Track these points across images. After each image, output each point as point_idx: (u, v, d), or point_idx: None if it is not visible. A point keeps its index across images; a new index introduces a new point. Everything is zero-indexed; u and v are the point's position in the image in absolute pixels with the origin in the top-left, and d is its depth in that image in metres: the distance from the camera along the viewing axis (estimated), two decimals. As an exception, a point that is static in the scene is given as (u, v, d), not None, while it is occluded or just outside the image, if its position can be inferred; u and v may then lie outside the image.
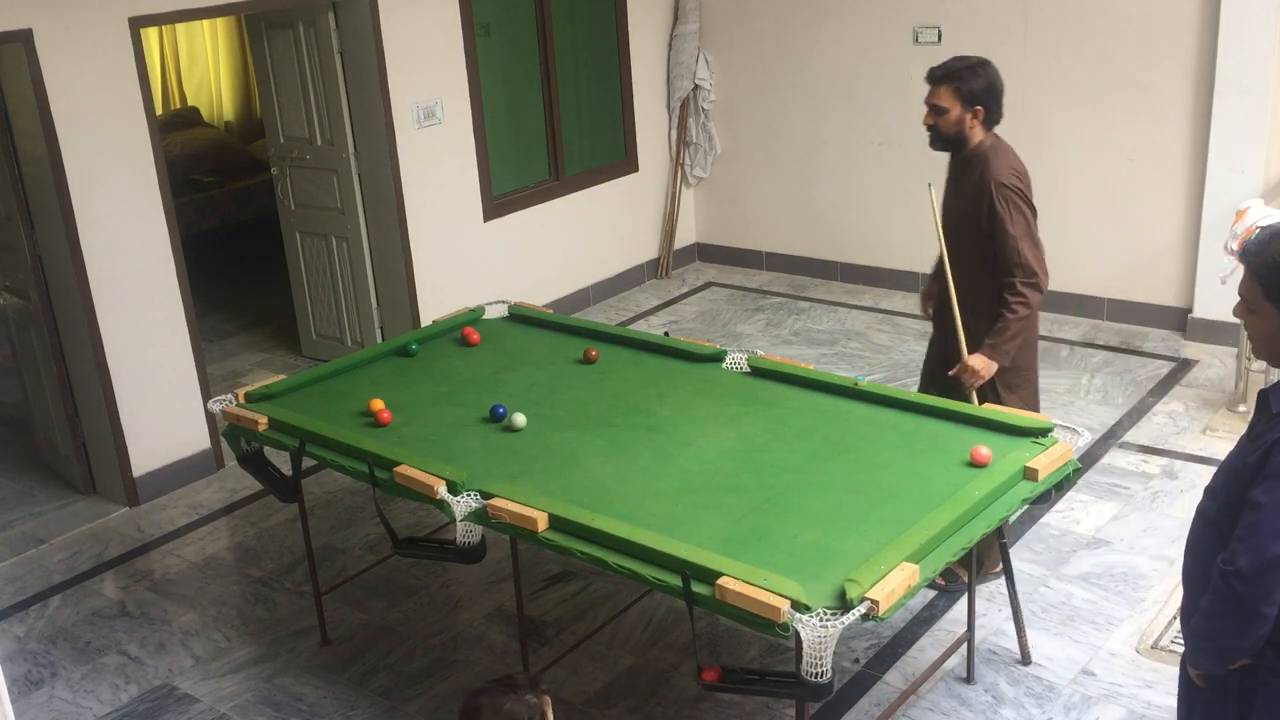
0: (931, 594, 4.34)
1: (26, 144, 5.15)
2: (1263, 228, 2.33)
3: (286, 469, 4.08)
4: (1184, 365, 6.17)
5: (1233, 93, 6.05)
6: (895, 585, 2.76)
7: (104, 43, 5.18)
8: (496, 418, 3.92)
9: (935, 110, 4.04)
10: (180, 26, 10.45)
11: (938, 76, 4.04)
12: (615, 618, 4.34)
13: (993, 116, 4.06)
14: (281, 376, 4.52)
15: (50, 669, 4.35)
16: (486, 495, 3.34)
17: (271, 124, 6.83)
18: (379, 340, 6.68)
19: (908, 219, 7.40)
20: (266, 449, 4.09)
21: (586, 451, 3.68)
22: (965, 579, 4.30)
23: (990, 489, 3.21)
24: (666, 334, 4.81)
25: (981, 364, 3.98)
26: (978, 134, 4.05)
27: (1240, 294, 2.41)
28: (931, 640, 4.11)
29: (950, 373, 4.07)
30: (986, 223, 3.96)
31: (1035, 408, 4.21)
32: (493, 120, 7.00)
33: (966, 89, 3.99)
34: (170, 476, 5.64)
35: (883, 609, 2.71)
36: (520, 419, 3.84)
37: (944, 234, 4.06)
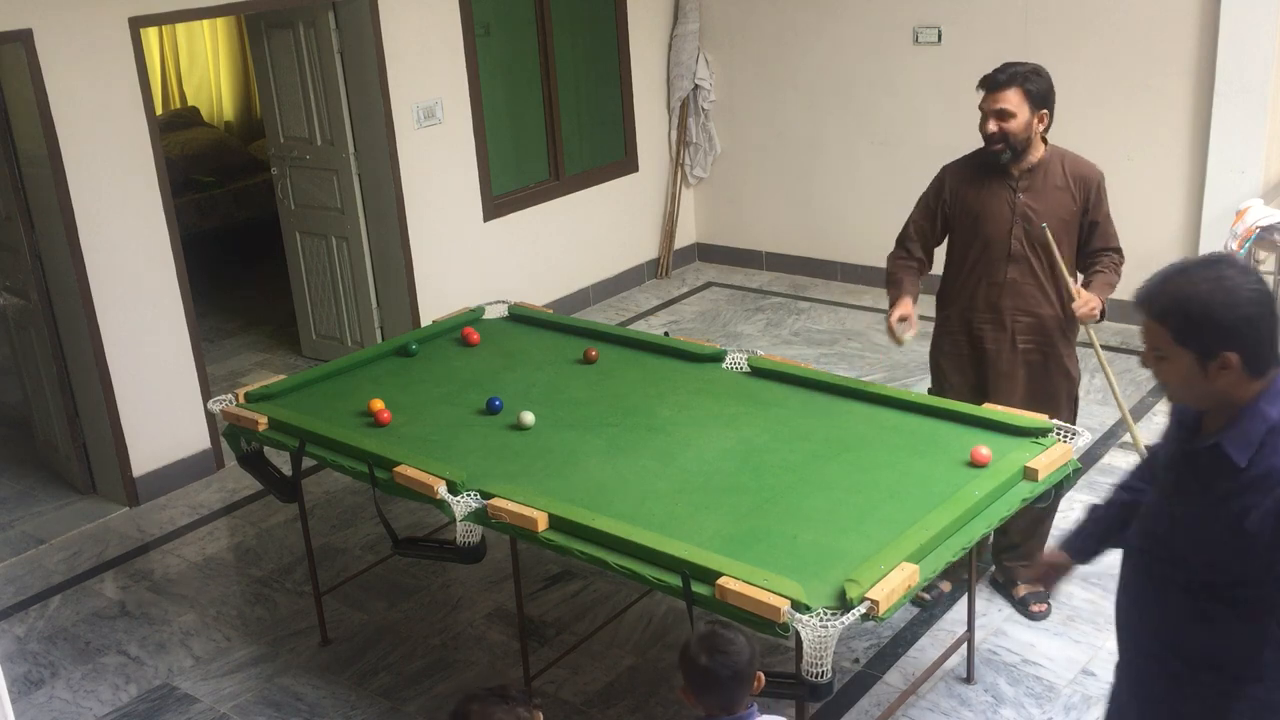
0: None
1: (26, 144, 5.15)
2: (1158, 272, 2.29)
3: (286, 469, 4.08)
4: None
5: (1233, 93, 6.05)
6: (895, 585, 2.76)
7: (104, 43, 5.18)
8: (493, 410, 3.92)
9: (1003, 115, 3.85)
10: (180, 26, 10.45)
11: (1002, 80, 3.85)
12: (615, 618, 4.34)
13: (1051, 122, 3.97)
14: (281, 376, 4.52)
15: (50, 669, 4.35)
16: (486, 495, 3.34)
17: (271, 124, 6.83)
18: (379, 340, 6.68)
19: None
20: (266, 449, 4.09)
21: (586, 451, 3.68)
22: (945, 590, 4.30)
23: (990, 489, 3.21)
24: (666, 334, 4.81)
25: (1095, 298, 3.96)
26: (1039, 140, 3.93)
27: (1145, 342, 2.26)
28: (931, 640, 4.11)
29: (1074, 306, 3.96)
30: (1083, 216, 3.98)
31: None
32: (493, 120, 7.00)
33: (1035, 90, 3.84)
34: (170, 476, 5.64)
35: (883, 609, 2.71)
36: (529, 417, 3.84)
37: (1019, 242, 3.97)
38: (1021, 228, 3.95)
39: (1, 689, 2.47)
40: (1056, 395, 4.10)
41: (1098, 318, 3.97)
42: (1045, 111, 3.89)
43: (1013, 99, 3.83)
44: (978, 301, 4.09)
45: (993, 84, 3.87)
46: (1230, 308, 2.15)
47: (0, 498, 5.71)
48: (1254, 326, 2.16)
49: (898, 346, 4.14)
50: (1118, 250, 4.09)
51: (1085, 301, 3.93)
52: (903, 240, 4.26)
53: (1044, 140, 3.96)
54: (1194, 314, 2.17)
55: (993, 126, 3.87)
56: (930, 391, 4.25)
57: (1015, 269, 3.98)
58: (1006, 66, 3.89)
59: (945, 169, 4.19)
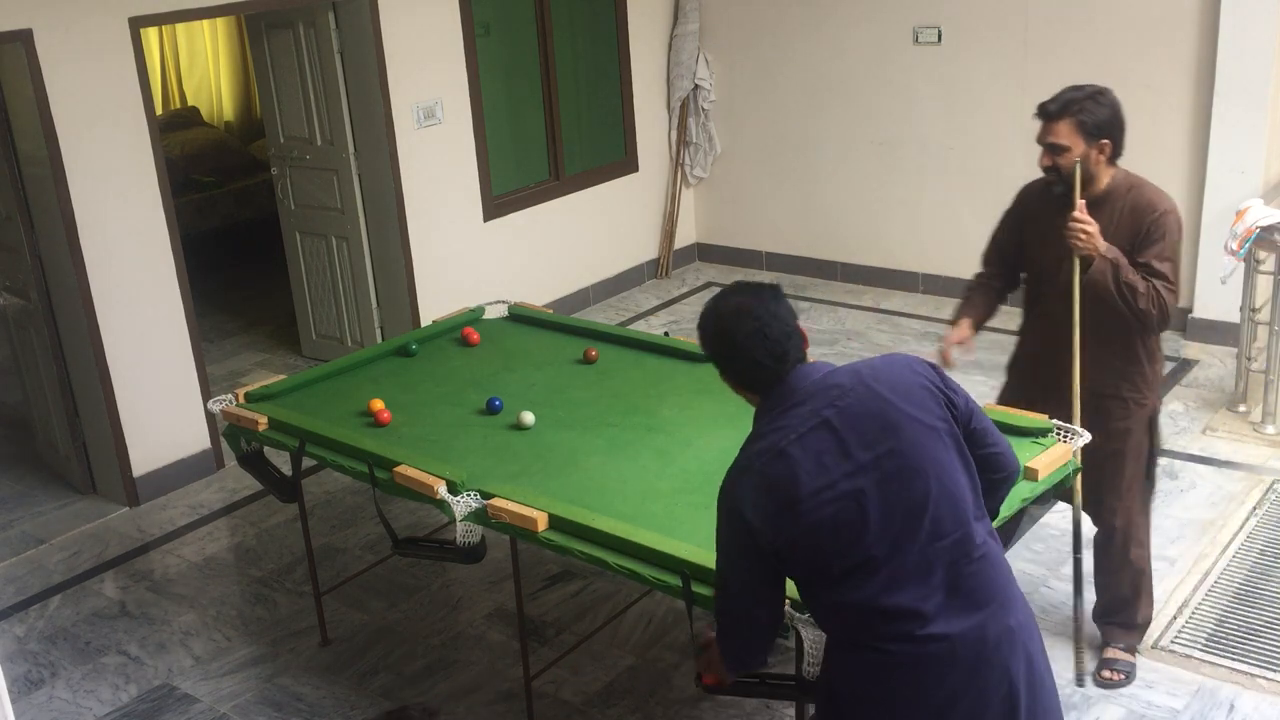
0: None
1: (26, 144, 5.15)
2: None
3: (286, 469, 4.08)
4: (1184, 365, 6.17)
5: (1233, 93, 6.05)
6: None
7: (104, 43, 5.18)
8: (493, 410, 3.93)
9: (1054, 149, 3.54)
10: (180, 26, 10.45)
11: (1053, 111, 3.53)
12: (615, 618, 4.34)
13: (1119, 149, 3.61)
14: (281, 376, 4.52)
15: (50, 669, 4.35)
16: (486, 495, 3.34)
17: (271, 124, 6.83)
18: (379, 340, 6.68)
19: (908, 219, 7.41)
20: (266, 449, 4.09)
21: (586, 451, 3.68)
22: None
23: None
24: (666, 334, 4.81)
25: (1097, 236, 3.46)
26: (1105, 171, 3.59)
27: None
28: (931, 640, 4.10)
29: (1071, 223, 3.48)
30: (1139, 250, 3.51)
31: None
32: (493, 120, 7.00)
33: (1090, 121, 3.51)
34: (170, 476, 5.64)
35: (883, 609, 2.71)
36: (529, 417, 3.84)
37: (1069, 278, 3.55)
38: (1072, 263, 3.56)
39: (1, 689, 2.47)
40: (1117, 454, 3.73)
41: (1084, 247, 3.45)
42: (1106, 141, 3.55)
43: (1064, 132, 3.52)
44: (1036, 333, 3.84)
45: (1044, 115, 3.56)
46: None
47: (0, 498, 5.71)
48: None
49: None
50: (1169, 279, 3.52)
51: (1080, 221, 3.45)
52: (983, 257, 3.99)
53: (1118, 170, 3.63)
54: None
55: (1045, 160, 3.58)
56: (998, 401, 3.99)
57: (1064, 306, 3.59)
58: (1061, 95, 3.55)
59: (1024, 188, 3.85)
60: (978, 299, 3.96)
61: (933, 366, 2.46)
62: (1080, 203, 3.49)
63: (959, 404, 2.43)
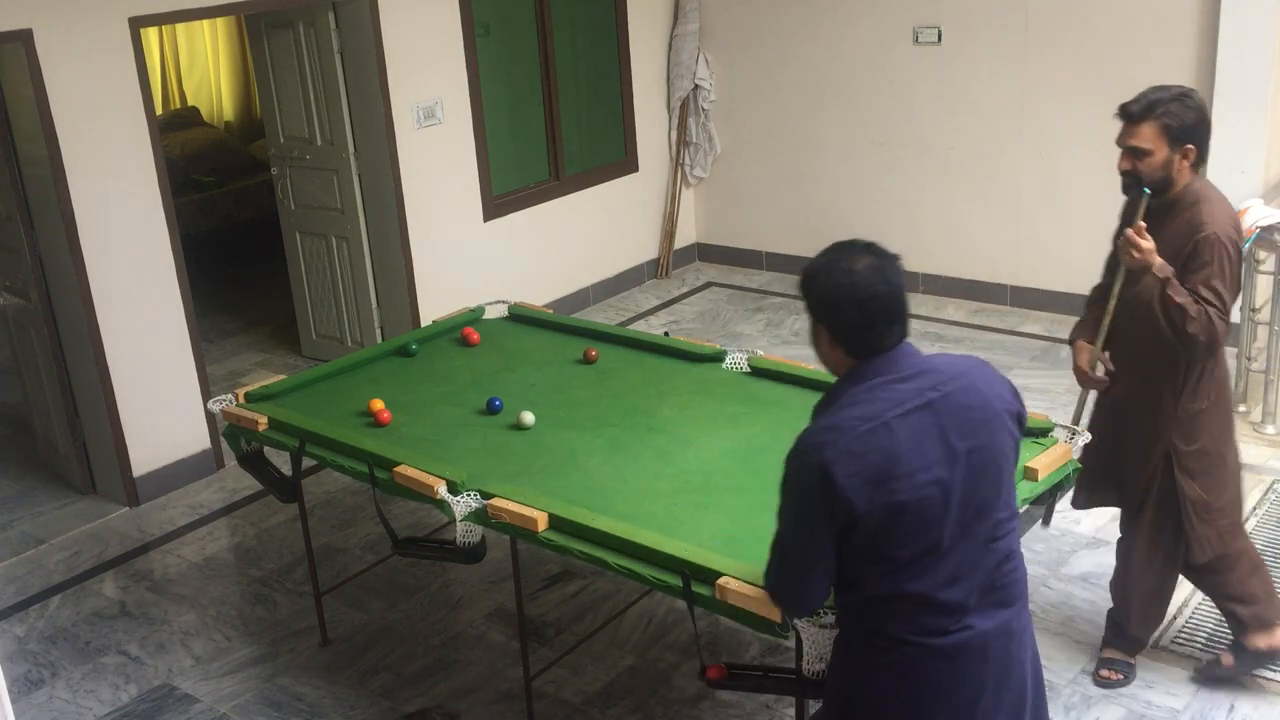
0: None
1: (26, 144, 5.15)
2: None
3: (286, 469, 4.08)
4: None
5: (1233, 93, 6.04)
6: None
7: (104, 43, 5.18)
8: (493, 410, 3.93)
9: (1135, 153, 3.35)
10: (180, 26, 10.45)
11: (1136, 113, 3.36)
12: (615, 618, 4.34)
13: (1203, 155, 3.39)
14: (281, 376, 4.52)
15: (50, 669, 4.35)
16: (486, 495, 3.34)
17: (271, 124, 6.83)
18: (379, 340, 6.68)
19: (908, 219, 7.41)
20: (266, 449, 4.09)
21: (586, 451, 3.68)
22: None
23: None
24: (666, 334, 4.81)
25: (1152, 251, 3.30)
26: (1185, 176, 3.38)
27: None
28: (931, 640, 4.11)
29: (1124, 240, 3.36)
30: (1184, 272, 3.32)
31: (1224, 497, 3.57)
32: (493, 120, 7.00)
33: (1175, 125, 3.30)
34: (170, 476, 5.64)
35: (883, 609, 2.71)
36: (529, 417, 3.84)
37: (1124, 281, 3.46)
38: (1129, 275, 3.43)
39: (1, 689, 2.47)
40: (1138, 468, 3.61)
41: (1133, 263, 3.33)
42: (1191, 146, 3.34)
43: (1147, 135, 3.33)
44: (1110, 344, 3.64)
45: (1125, 116, 3.39)
46: None
47: (0, 498, 5.71)
48: None
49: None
50: (1220, 300, 3.30)
51: (1134, 241, 3.32)
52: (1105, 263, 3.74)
53: (1196, 176, 3.41)
54: None
55: (1124, 164, 3.39)
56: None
57: (1127, 317, 3.46)
58: (1145, 95, 3.38)
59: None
60: (1089, 316, 3.74)
61: (1009, 382, 2.48)
62: (1140, 224, 3.36)
63: (1021, 425, 2.47)
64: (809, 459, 2.28)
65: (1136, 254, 3.33)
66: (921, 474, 2.26)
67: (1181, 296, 3.27)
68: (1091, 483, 3.75)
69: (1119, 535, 3.82)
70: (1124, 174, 3.41)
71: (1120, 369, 3.61)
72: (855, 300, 2.32)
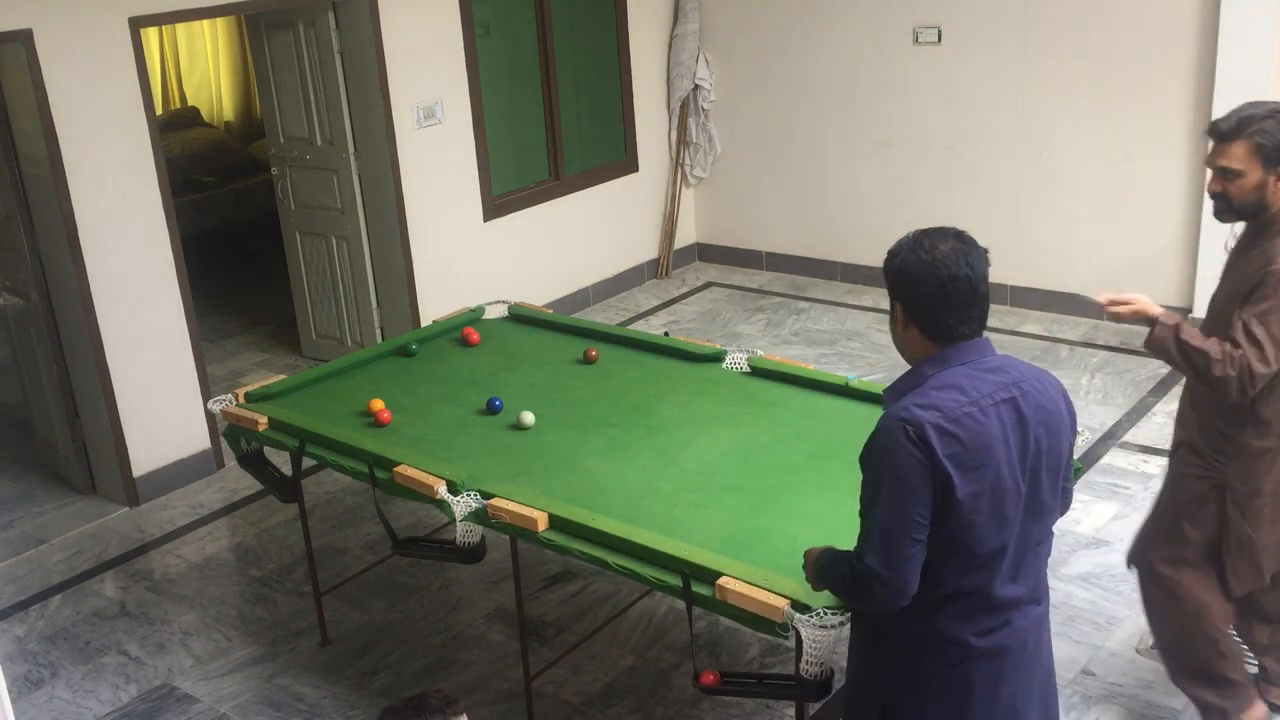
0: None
1: (26, 144, 5.15)
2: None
3: (286, 469, 4.08)
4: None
5: (1233, 93, 6.03)
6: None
7: (104, 43, 5.18)
8: (493, 410, 3.93)
9: (1225, 174, 3.10)
10: (180, 26, 10.45)
11: (1226, 131, 3.11)
12: (615, 618, 4.34)
13: None
14: (282, 376, 4.52)
15: (50, 669, 4.35)
16: (486, 495, 3.34)
17: (271, 124, 6.83)
18: (379, 340, 6.68)
19: (908, 219, 7.38)
20: (266, 449, 4.09)
21: (586, 451, 3.68)
22: None
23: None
24: (666, 334, 4.81)
25: (1144, 302, 3.18)
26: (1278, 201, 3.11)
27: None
28: (931, 640, 4.11)
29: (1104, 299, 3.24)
30: (1243, 302, 3.08)
31: (1273, 535, 3.30)
32: (493, 120, 7.00)
33: (1270, 145, 3.05)
34: (170, 476, 5.64)
35: (883, 609, 2.70)
36: (529, 417, 3.84)
37: (1210, 314, 3.29)
38: (1215, 298, 3.25)
39: (1, 689, 2.47)
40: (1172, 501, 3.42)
41: (1126, 318, 3.22)
42: None
43: (1239, 155, 3.08)
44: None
45: (1216, 135, 3.15)
46: None
47: (0, 498, 5.71)
48: None
49: None
50: (1255, 342, 3.02)
51: (1123, 302, 3.20)
52: None
53: None
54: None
55: (1214, 186, 3.15)
56: None
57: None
58: (1236, 112, 3.13)
59: None
60: None
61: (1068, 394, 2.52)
62: (1107, 295, 3.23)
63: (1075, 436, 2.53)
64: (910, 432, 2.23)
65: (1125, 310, 3.19)
66: (1006, 467, 2.28)
67: (1199, 340, 3.06)
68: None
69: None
70: (1214, 196, 3.17)
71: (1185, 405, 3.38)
72: (935, 279, 2.30)
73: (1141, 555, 3.57)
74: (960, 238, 2.36)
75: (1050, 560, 4.46)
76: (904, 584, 2.28)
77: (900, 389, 2.38)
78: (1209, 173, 3.19)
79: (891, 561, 2.27)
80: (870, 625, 2.48)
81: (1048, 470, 2.37)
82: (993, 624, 2.37)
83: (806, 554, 2.62)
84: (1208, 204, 6.18)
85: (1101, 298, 3.24)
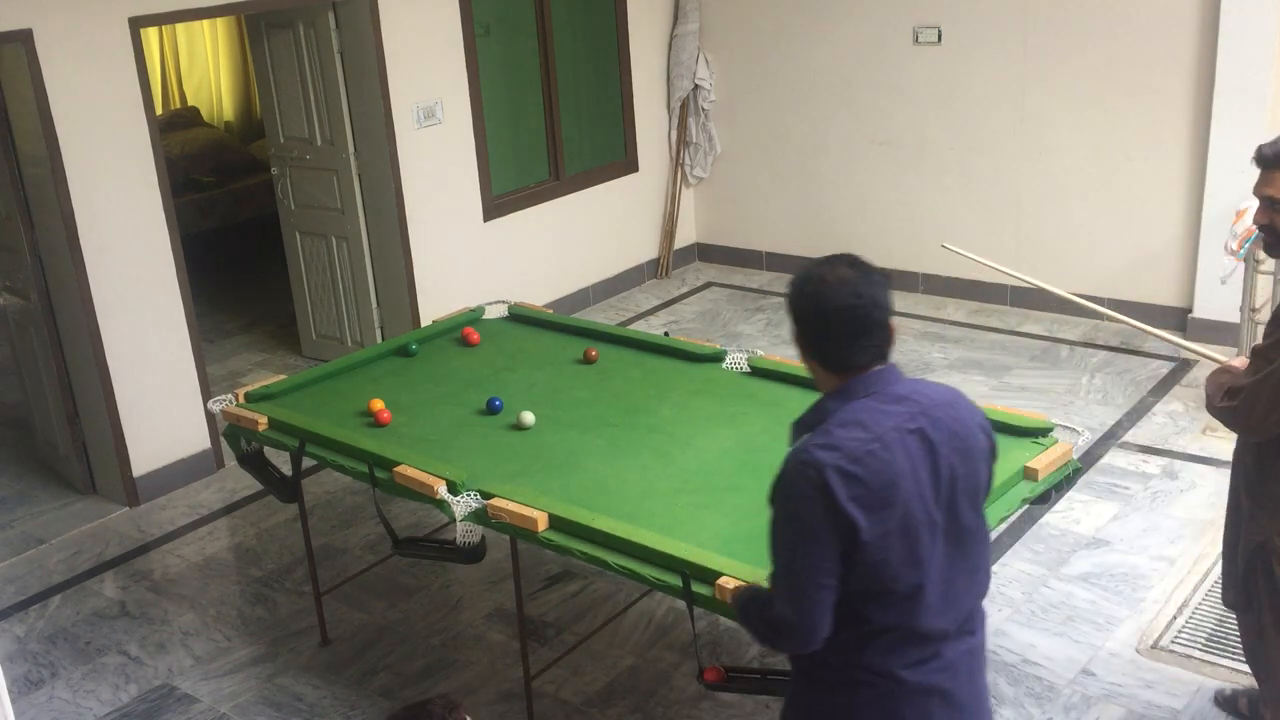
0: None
1: (26, 144, 5.15)
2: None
3: (286, 469, 4.08)
4: (1184, 365, 6.17)
5: (1233, 93, 6.05)
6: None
7: (104, 43, 5.18)
8: (493, 410, 3.93)
9: (1273, 205, 2.90)
10: (180, 26, 10.45)
11: (1271, 157, 2.93)
12: (615, 618, 4.34)
13: None
14: (281, 376, 4.52)
15: (50, 669, 4.35)
16: (486, 495, 3.34)
17: (271, 124, 6.83)
18: (379, 340, 6.68)
19: (908, 219, 7.41)
20: (266, 449, 4.09)
21: (586, 451, 3.68)
22: None
23: (990, 489, 3.20)
24: (666, 334, 4.81)
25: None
26: None
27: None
28: (931, 640, 4.10)
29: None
30: (1268, 339, 2.92)
31: None
32: (493, 120, 7.00)
33: None
34: (170, 476, 5.64)
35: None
36: (529, 417, 3.84)
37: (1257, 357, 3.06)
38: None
39: (1, 689, 2.47)
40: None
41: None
42: None
43: None
44: None
45: (1262, 162, 2.97)
46: None
47: (0, 498, 5.71)
48: None
49: None
50: (1243, 390, 2.91)
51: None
52: None
53: None
54: None
55: (1261, 217, 2.96)
56: None
57: None
58: (1277, 140, 2.98)
59: None
60: None
61: (983, 413, 2.42)
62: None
63: (994, 457, 2.42)
64: (810, 477, 2.17)
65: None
66: (917, 501, 2.20)
67: (1211, 385, 2.99)
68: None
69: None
70: (1262, 229, 2.98)
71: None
72: (820, 311, 2.26)
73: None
74: (854, 265, 2.29)
75: (1050, 560, 4.51)
76: (812, 629, 2.22)
77: (805, 424, 2.31)
78: (1257, 205, 2.98)
79: (798, 607, 2.22)
80: (801, 661, 2.40)
81: (966, 497, 2.28)
82: (921, 656, 2.28)
83: (733, 592, 2.58)
84: (1208, 204, 6.25)
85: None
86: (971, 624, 2.37)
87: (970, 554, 2.32)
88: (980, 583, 2.37)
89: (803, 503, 2.19)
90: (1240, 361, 3.11)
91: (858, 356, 2.26)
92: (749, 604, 2.41)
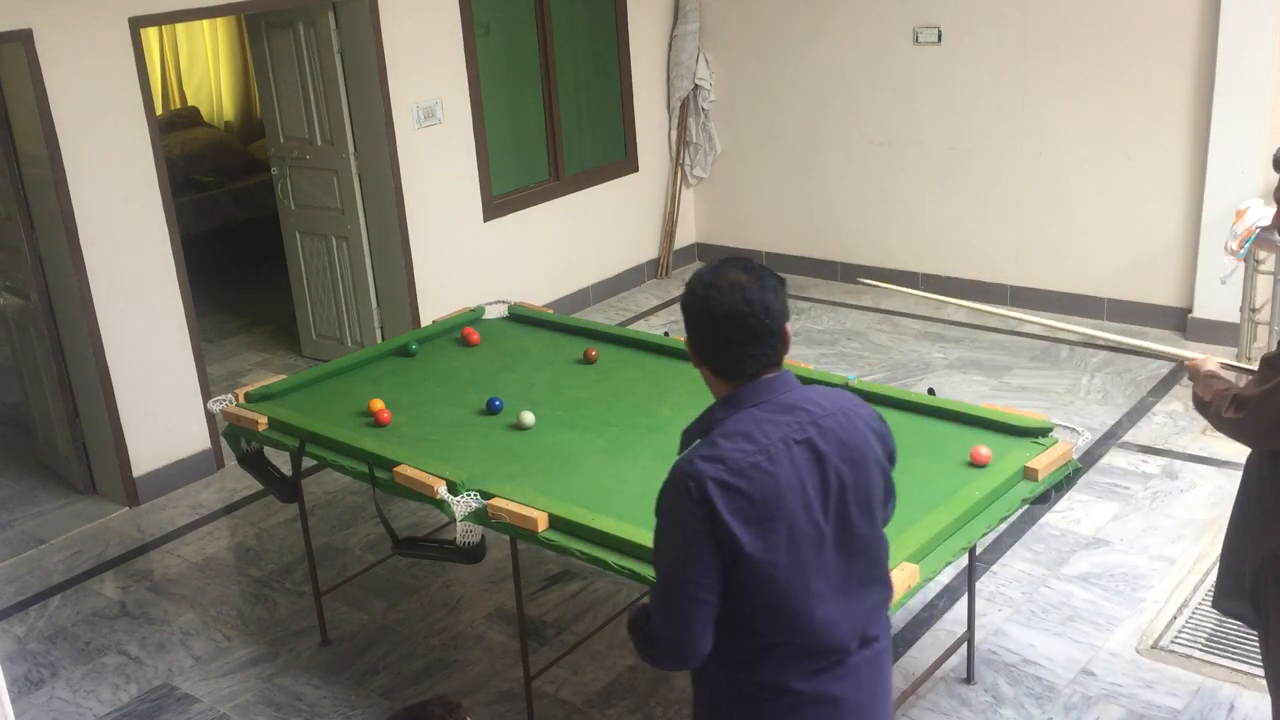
0: (931, 594, 4.34)
1: (26, 144, 5.15)
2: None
3: (286, 469, 4.08)
4: (1184, 366, 6.16)
5: (1233, 93, 6.05)
6: (895, 585, 2.75)
7: (104, 43, 5.18)
8: (493, 410, 3.93)
9: None
10: (180, 26, 10.45)
11: None
12: (615, 618, 4.34)
13: None
14: (282, 376, 4.52)
15: (50, 669, 4.35)
16: (486, 495, 3.34)
17: (271, 124, 6.83)
18: (379, 340, 6.68)
19: (907, 219, 7.41)
20: (266, 449, 4.09)
21: (586, 451, 3.68)
22: None
23: (990, 489, 3.21)
24: (666, 334, 4.81)
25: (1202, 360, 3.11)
26: None
27: None
28: (931, 640, 4.11)
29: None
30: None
31: None
32: (493, 120, 7.00)
33: None
34: (170, 476, 5.64)
35: (882, 609, 2.70)
36: (529, 417, 3.84)
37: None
38: None
39: (1, 689, 2.47)
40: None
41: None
42: None
43: None
44: None
45: (1278, 167, 2.97)
46: None
47: (0, 498, 5.71)
48: None
49: None
50: (1236, 399, 2.90)
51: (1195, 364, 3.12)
52: None
53: None
54: None
55: (1278, 221, 2.94)
56: None
57: None
58: None
59: None
60: None
61: (880, 417, 2.36)
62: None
63: (892, 462, 2.36)
64: (690, 489, 2.11)
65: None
66: (803, 513, 2.15)
67: (1201, 389, 3.00)
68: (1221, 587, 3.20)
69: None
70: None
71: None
72: (709, 316, 2.20)
73: None
74: (748, 269, 2.22)
75: (1050, 560, 4.52)
76: (689, 645, 2.17)
77: (693, 433, 2.27)
78: (1273, 207, 2.93)
79: (674, 622, 2.17)
80: (701, 677, 2.33)
81: (858, 506, 2.22)
82: (819, 666, 2.23)
83: (629, 610, 2.51)
84: (1208, 204, 6.25)
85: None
86: (872, 631, 2.31)
87: (866, 563, 2.27)
88: (879, 591, 2.32)
89: (683, 515, 2.13)
90: (1214, 362, 3.06)
91: (747, 364, 2.21)
92: (635, 618, 2.34)
